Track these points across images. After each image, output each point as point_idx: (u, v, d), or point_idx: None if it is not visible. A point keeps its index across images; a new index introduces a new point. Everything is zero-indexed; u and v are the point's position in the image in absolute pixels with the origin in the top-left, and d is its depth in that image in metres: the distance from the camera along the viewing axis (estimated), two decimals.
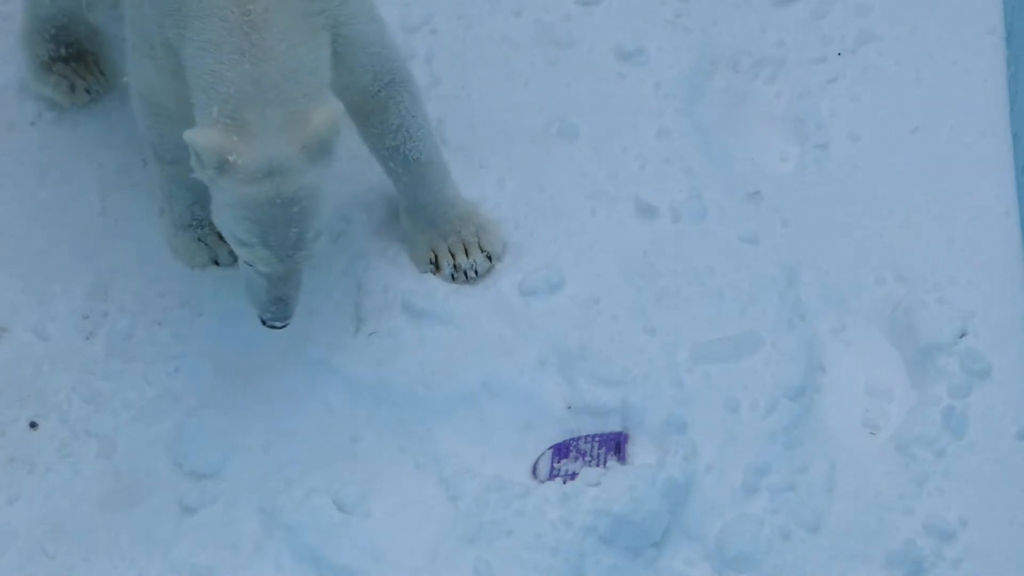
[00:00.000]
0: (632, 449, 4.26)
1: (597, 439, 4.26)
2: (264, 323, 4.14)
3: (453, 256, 4.47)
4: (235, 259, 4.21)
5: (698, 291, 4.42)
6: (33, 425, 4.38)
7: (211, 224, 4.31)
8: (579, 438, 4.28)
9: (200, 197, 4.29)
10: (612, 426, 4.27)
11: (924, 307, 4.36)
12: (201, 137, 3.78)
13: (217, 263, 4.54)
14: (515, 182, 4.62)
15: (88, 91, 4.78)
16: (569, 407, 4.30)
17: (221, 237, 4.19)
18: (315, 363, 4.39)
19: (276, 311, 4.11)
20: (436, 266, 4.50)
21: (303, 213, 3.88)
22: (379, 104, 4.24)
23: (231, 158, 3.76)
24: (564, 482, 4.19)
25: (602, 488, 4.11)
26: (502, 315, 4.41)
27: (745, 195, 4.61)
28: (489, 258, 4.49)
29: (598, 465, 4.21)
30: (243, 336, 4.44)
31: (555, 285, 4.44)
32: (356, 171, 4.63)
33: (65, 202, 4.66)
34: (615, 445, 4.24)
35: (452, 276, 4.47)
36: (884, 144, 4.70)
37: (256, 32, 3.76)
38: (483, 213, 4.54)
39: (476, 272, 4.47)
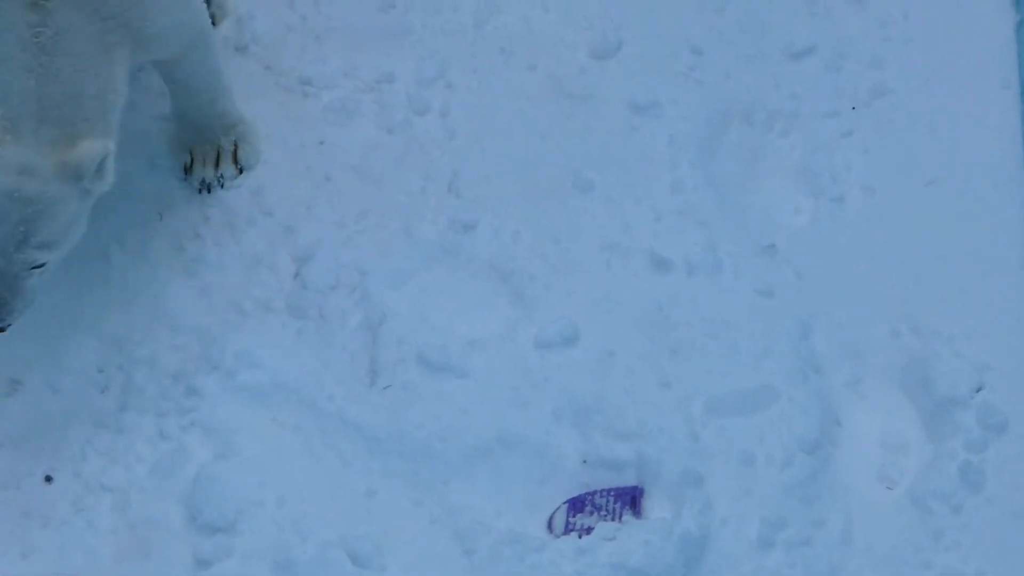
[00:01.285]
0: (648, 503, 4.34)
1: (613, 493, 4.35)
2: None
3: (204, 164, 4.81)
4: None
5: (713, 344, 4.52)
6: (48, 479, 4.46)
7: None
8: (594, 492, 4.36)
9: None
10: (627, 480, 4.36)
11: (939, 360, 4.45)
12: None
13: None
14: (530, 235, 4.72)
15: None
16: (584, 461, 4.38)
17: None
18: (330, 416, 4.47)
19: None
20: (190, 170, 4.84)
21: (36, 217, 4.04)
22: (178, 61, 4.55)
23: None
24: (580, 536, 4.27)
25: (618, 542, 4.20)
26: (517, 368, 4.50)
27: (760, 248, 4.70)
28: (240, 170, 4.81)
29: (614, 519, 4.30)
30: (257, 390, 4.53)
31: (570, 338, 4.53)
32: (371, 223, 4.77)
33: (80, 255, 4.65)
34: (631, 499, 4.33)
35: (200, 185, 4.82)
36: (898, 197, 4.79)
37: (45, 54, 3.98)
38: (247, 126, 4.83)
39: (222, 184, 4.80)
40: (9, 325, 4.26)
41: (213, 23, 5.04)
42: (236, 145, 4.85)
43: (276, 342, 4.60)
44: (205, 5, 4.55)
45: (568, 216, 4.76)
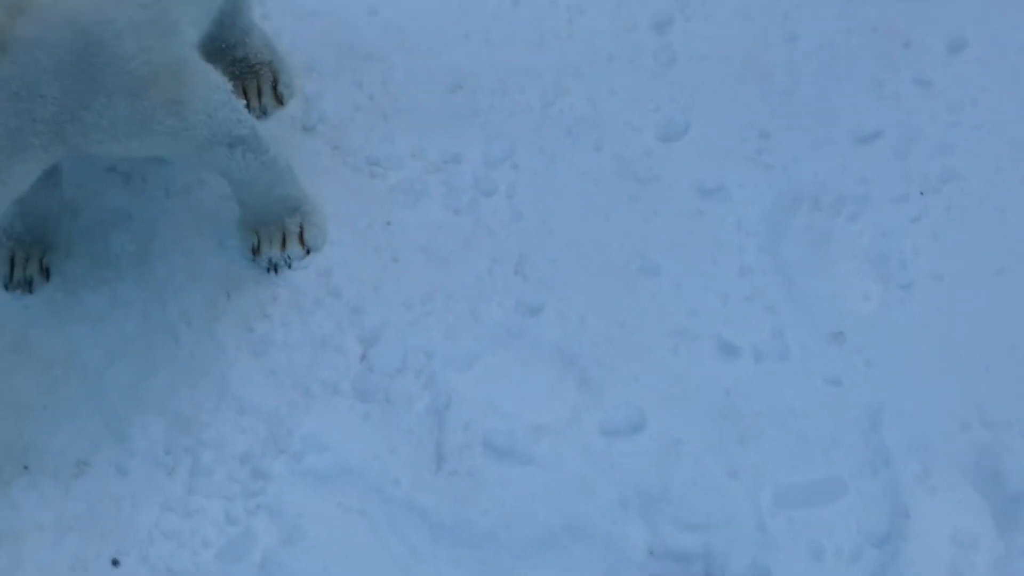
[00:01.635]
0: None
1: None
2: None
3: (271, 245, 4.89)
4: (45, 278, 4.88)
5: (781, 433, 4.53)
6: (115, 563, 4.52)
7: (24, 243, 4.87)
8: None
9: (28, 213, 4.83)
10: (694, 572, 4.36)
11: (1010, 453, 4.44)
12: None
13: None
14: (596, 319, 4.75)
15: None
16: (651, 552, 4.39)
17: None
18: (396, 501, 4.51)
19: None
20: (257, 251, 4.94)
21: None
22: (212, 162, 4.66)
23: None
24: None
25: None
26: (583, 455, 4.53)
27: (828, 335, 4.71)
28: (308, 251, 4.90)
29: None
30: (323, 473, 4.57)
31: (637, 425, 4.56)
32: (438, 305, 4.83)
33: (149, 337, 4.82)
34: None
35: (268, 265, 4.91)
36: (968, 284, 4.80)
37: None
38: (312, 207, 4.92)
39: (289, 264, 4.88)
40: None
41: (280, 102, 5.16)
42: (302, 227, 4.93)
43: (343, 425, 4.65)
44: (231, 108, 4.54)
45: (635, 300, 4.80)
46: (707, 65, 5.30)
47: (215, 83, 4.45)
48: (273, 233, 4.92)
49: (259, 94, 5.26)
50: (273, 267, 4.92)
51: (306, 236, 4.94)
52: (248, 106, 5.09)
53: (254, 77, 5.26)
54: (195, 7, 4.43)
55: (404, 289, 4.88)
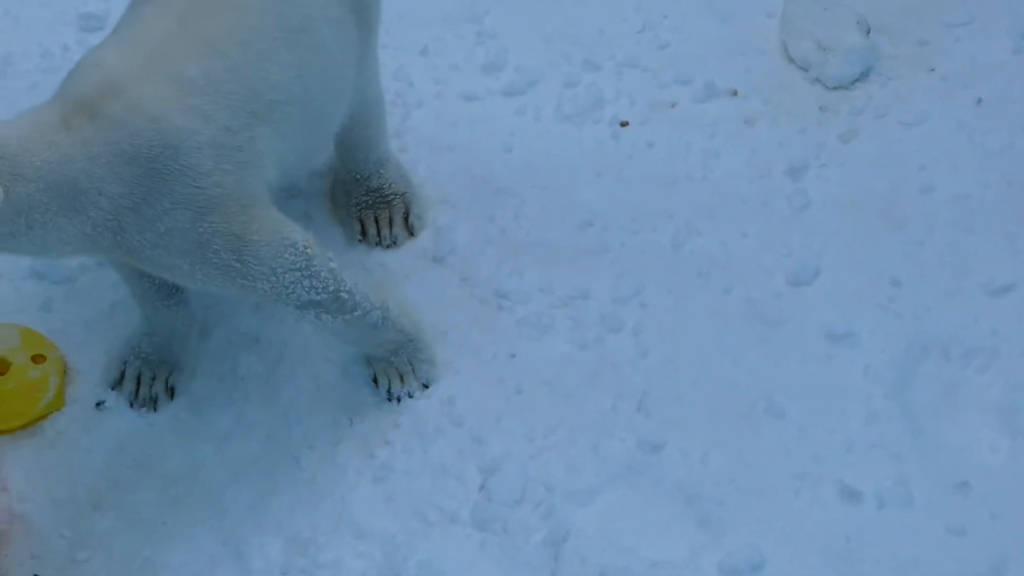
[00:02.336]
0: None
1: None
2: None
3: (387, 379, 5.12)
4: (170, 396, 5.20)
5: None
6: None
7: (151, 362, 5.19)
8: None
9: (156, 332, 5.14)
10: None
11: None
12: None
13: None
14: (720, 458, 4.96)
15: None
16: None
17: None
18: None
19: None
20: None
21: None
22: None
23: None
24: None
25: None
26: None
27: (953, 485, 4.86)
28: (425, 386, 5.12)
29: None
30: None
31: (756, 566, 4.74)
32: (560, 438, 5.08)
33: (271, 458, 5.09)
34: None
35: (388, 396, 5.17)
36: None
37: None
38: (419, 343, 5.16)
39: (411, 395, 5.16)
40: None
41: (412, 233, 5.50)
42: (411, 364, 5.21)
43: (459, 554, 4.88)
44: (306, 275, 4.73)
45: (759, 441, 5.01)
46: (840, 212, 5.54)
47: (286, 240, 4.61)
48: (387, 369, 5.20)
49: (390, 224, 5.57)
50: (395, 398, 5.22)
51: (417, 373, 5.21)
52: (379, 235, 5.49)
53: (387, 207, 5.58)
54: (284, 144, 4.66)
55: (526, 421, 5.11)
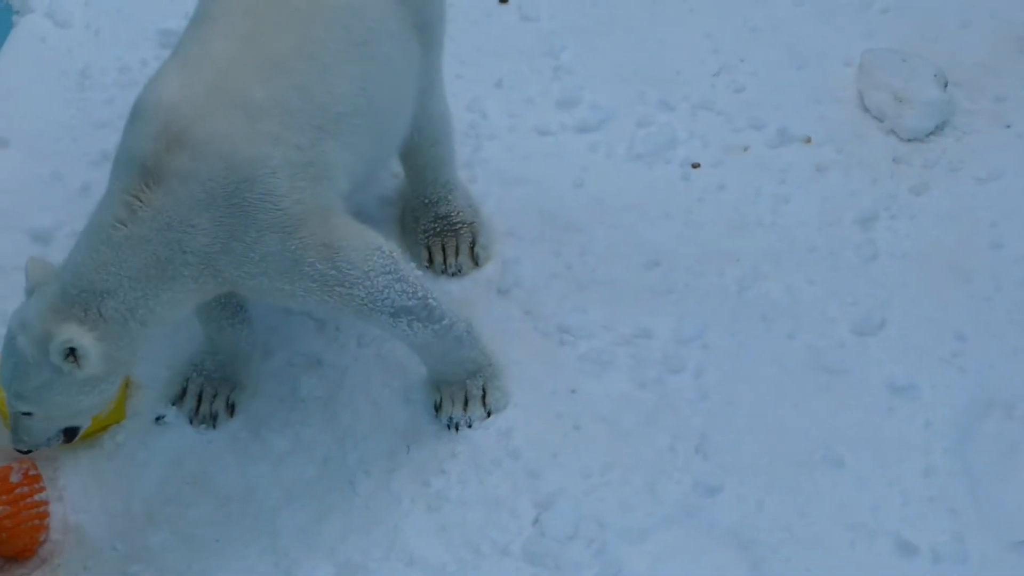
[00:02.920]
0: None
1: None
2: None
3: (453, 405, 5.18)
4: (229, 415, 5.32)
5: None
6: None
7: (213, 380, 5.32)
8: None
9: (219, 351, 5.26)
10: None
11: None
12: None
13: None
14: (775, 505, 5.00)
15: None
16: None
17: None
18: None
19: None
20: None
21: (13, 367, 4.66)
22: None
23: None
24: None
25: None
26: None
27: (1009, 544, 4.88)
28: (489, 414, 5.21)
29: None
30: None
31: None
32: (616, 476, 5.12)
33: (327, 482, 5.16)
34: None
35: (449, 423, 5.24)
36: None
37: (108, 246, 4.58)
38: (494, 370, 5.22)
39: (470, 424, 5.20)
40: (19, 450, 4.87)
41: (476, 263, 5.58)
42: (484, 390, 5.28)
43: None
44: (396, 278, 4.84)
45: (815, 490, 5.04)
46: (909, 264, 5.58)
47: (372, 243, 4.75)
48: (455, 393, 5.27)
49: (456, 252, 5.66)
50: (454, 426, 5.28)
51: (488, 399, 5.28)
52: (445, 263, 5.58)
53: (453, 236, 5.67)
54: (352, 156, 4.77)
55: (583, 457, 5.17)
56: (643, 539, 4.99)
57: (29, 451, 4.85)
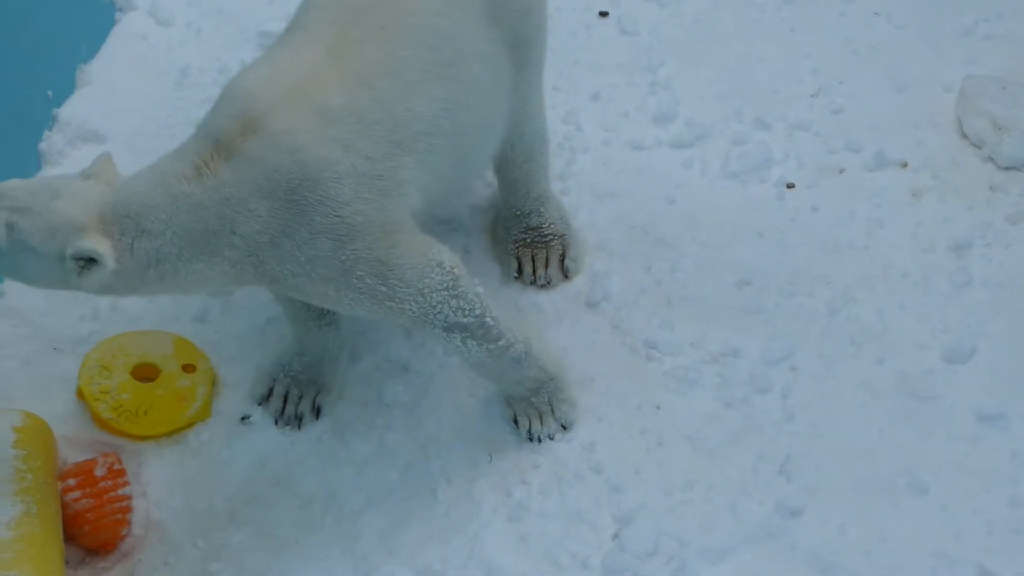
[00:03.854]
0: None
1: None
2: None
3: (527, 419, 5.24)
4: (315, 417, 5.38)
5: None
6: None
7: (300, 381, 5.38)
8: None
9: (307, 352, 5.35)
10: None
11: None
12: None
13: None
14: (857, 530, 5.04)
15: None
16: None
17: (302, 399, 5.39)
18: None
19: None
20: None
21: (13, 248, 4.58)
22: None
23: None
24: None
25: None
26: None
27: None
28: (564, 427, 5.26)
29: None
30: None
31: None
32: (698, 495, 5.17)
33: (409, 489, 5.24)
34: None
35: (528, 436, 5.29)
36: None
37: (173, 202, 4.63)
38: (557, 384, 5.26)
39: (551, 437, 5.26)
40: None
41: (566, 276, 5.66)
42: (550, 404, 5.35)
43: None
44: (454, 294, 4.88)
45: (898, 516, 5.07)
46: (1002, 292, 5.62)
47: (433, 260, 4.79)
48: (527, 409, 5.34)
49: (546, 264, 5.75)
50: (536, 438, 5.36)
51: (556, 413, 5.35)
52: (534, 275, 5.67)
53: (544, 247, 5.76)
54: (428, 174, 4.83)
55: (666, 474, 5.23)
56: (723, 558, 5.04)
57: None
